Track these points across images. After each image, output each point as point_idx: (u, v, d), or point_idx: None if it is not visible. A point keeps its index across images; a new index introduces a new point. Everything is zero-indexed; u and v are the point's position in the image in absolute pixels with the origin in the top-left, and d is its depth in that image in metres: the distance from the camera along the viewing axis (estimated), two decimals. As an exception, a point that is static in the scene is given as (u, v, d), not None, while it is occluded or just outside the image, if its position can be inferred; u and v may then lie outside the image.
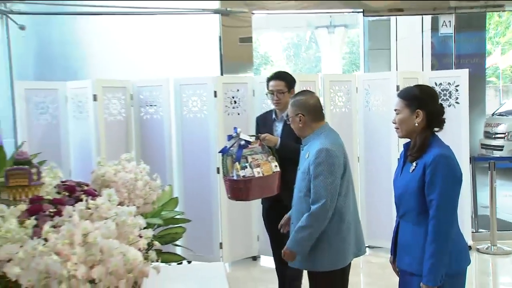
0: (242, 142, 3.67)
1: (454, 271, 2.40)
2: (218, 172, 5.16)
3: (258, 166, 3.66)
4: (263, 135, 3.76)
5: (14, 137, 5.40)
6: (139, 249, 2.02)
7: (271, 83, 3.98)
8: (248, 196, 3.67)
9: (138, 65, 5.95)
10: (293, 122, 3.03)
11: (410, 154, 2.49)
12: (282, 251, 2.96)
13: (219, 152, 3.81)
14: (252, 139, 3.76)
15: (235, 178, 3.58)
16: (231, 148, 3.70)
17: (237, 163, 3.59)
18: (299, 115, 2.95)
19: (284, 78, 3.97)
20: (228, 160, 3.66)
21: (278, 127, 3.97)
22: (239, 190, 3.62)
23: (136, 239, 2.11)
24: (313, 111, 2.97)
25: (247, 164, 3.64)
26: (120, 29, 5.99)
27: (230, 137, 3.73)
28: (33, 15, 5.74)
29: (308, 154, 2.89)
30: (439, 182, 2.33)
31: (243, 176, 3.58)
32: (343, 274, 2.93)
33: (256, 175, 3.61)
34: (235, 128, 3.74)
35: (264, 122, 4.12)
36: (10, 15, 5.58)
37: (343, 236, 2.88)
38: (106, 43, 6.00)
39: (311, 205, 2.81)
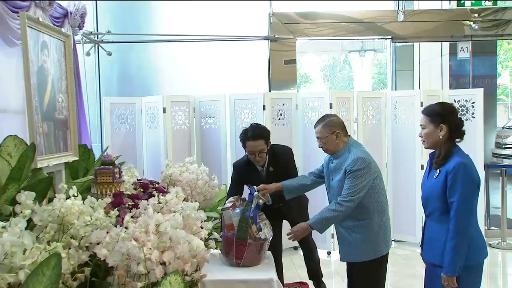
0: (260, 201, 2.99)
1: (473, 263, 2.35)
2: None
3: (265, 225, 2.98)
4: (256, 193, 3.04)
5: (101, 142, 5.58)
6: (201, 238, 2.05)
7: (250, 143, 3.28)
8: (260, 260, 2.92)
9: (200, 83, 6.02)
10: (328, 141, 2.87)
11: (435, 162, 2.44)
12: (296, 228, 2.88)
13: (246, 215, 2.86)
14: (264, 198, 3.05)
15: (252, 241, 2.83)
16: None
17: (254, 225, 2.87)
18: (336, 132, 2.85)
19: (263, 136, 3.31)
20: (249, 223, 2.85)
21: (267, 176, 3.39)
22: (256, 253, 2.88)
23: (199, 230, 2.15)
24: (343, 127, 2.92)
25: (261, 225, 2.94)
26: (186, 53, 6.09)
27: (251, 197, 2.99)
28: (118, 43, 5.92)
29: (343, 166, 2.82)
30: (459, 187, 2.28)
31: (263, 238, 2.89)
32: (385, 260, 2.87)
33: (268, 236, 2.96)
34: (251, 187, 3.05)
35: (248, 172, 3.43)
36: (100, 44, 5.79)
37: (385, 227, 2.85)
38: (175, 65, 6.11)
39: (339, 196, 2.77)
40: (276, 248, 3.63)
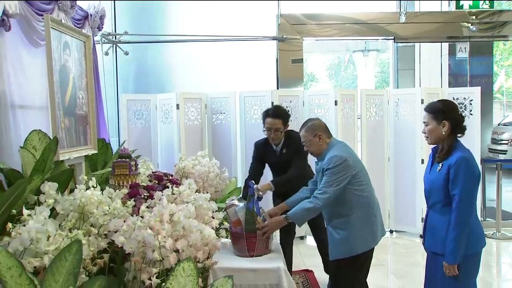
0: (260, 193, 3.03)
1: (472, 251, 2.35)
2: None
3: (267, 216, 3.01)
4: (256, 186, 3.11)
5: (118, 137, 5.61)
6: (212, 228, 2.05)
7: (269, 120, 3.44)
8: (269, 248, 2.93)
9: (212, 81, 6.02)
10: (312, 143, 2.84)
11: (438, 156, 2.43)
12: (272, 220, 2.85)
13: (249, 207, 2.86)
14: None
15: (260, 232, 2.84)
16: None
17: (258, 217, 2.90)
18: (318, 135, 2.82)
19: (281, 116, 3.46)
20: (254, 215, 2.87)
21: (280, 156, 3.57)
22: (265, 243, 2.88)
23: (210, 220, 2.15)
24: (326, 129, 2.89)
25: (264, 216, 2.99)
26: (199, 53, 6.09)
27: (252, 190, 2.98)
28: (134, 43, 5.94)
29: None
30: (460, 180, 2.28)
31: None
32: (363, 258, 2.79)
33: None
34: (250, 181, 3.11)
35: (265, 151, 3.63)
36: (118, 44, 5.82)
37: (371, 221, 2.78)
38: (188, 64, 6.11)
39: (317, 191, 2.74)
40: (287, 237, 3.64)
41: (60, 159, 2.47)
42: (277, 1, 5.97)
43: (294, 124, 5.32)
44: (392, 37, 6.27)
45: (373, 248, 2.81)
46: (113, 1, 5.79)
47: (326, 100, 5.30)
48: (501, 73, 16.64)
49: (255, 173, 3.67)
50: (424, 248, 2.59)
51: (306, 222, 3.71)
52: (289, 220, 2.83)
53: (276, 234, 3.21)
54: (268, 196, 3.75)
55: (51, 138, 2.45)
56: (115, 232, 1.82)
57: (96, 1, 4.55)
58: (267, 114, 3.51)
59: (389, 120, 5.61)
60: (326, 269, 3.89)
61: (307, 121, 2.96)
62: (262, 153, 3.67)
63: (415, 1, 7.46)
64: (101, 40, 5.38)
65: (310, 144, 2.85)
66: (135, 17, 6.08)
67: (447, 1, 6.60)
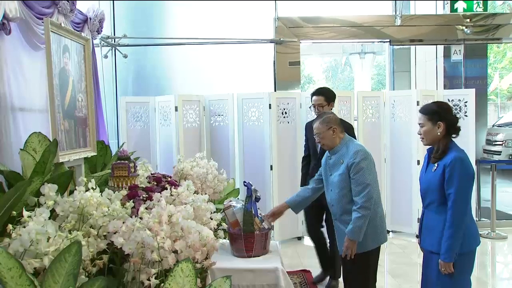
0: (258, 194, 2.98)
1: (467, 250, 2.37)
2: (271, 169, 5.20)
3: (264, 217, 3.02)
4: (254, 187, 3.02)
5: (117, 139, 5.58)
6: (211, 228, 2.06)
7: (314, 97, 3.79)
8: (267, 249, 2.94)
9: (210, 83, 6.01)
10: (325, 136, 2.82)
11: (433, 156, 2.45)
12: (344, 246, 2.71)
13: (247, 208, 2.88)
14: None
15: (258, 232, 2.86)
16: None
17: (256, 217, 2.90)
18: (332, 128, 2.82)
19: (324, 94, 3.77)
20: (252, 216, 2.88)
21: None
22: (263, 243, 2.89)
23: (208, 221, 2.16)
24: (340, 124, 2.89)
25: (261, 217, 2.99)
26: (197, 55, 6.09)
27: (250, 191, 2.94)
28: (133, 46, 5.93)
29: (342, 160, 2.77)
30: (456, 180, 2.30)
31: (267, 228, 2.95)
32: (376, 253, 2.81)
33: (269, 226, 2.99)
34: (248, 182, 3.02)
35: (311, 131, 3.66)
36: (117, 47, 5.81)
37: (382, 216, 2.81)
38: (186, 67, 6.11)
39: (356, 196, 2.67)
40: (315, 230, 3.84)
41: (60, 161, 2.47)
42: (274, 1, 5.98)
43: (292, 126, 5.35)
44: (388, 40, 6.30)
45: (380, 246, 2.81)
46: (112, 1, 5.79)
47: (323, 102, 5.30)
48: (495, 75, 16.74)
49: (307, 155, 3.99)
50: (420, 248, 2.60)
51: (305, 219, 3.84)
52: (354, 239, 2.70)
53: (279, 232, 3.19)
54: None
55: (51, 140, 2.46)
56: (114, 233, 1.83)
57: (96, 1, 4.54)
58: (312, 92, 3.84)
59: (385, 122, 5.63)
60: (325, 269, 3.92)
61: (322, 114, 3.01)
62: (308, 132, 3.90)
63: (411, 1, 7.49)
64: (100, 43, 5.38)
65: (323, 136, 2.85)
66: (134, 20, 6.08)
67: (442, 2, 6.63)
